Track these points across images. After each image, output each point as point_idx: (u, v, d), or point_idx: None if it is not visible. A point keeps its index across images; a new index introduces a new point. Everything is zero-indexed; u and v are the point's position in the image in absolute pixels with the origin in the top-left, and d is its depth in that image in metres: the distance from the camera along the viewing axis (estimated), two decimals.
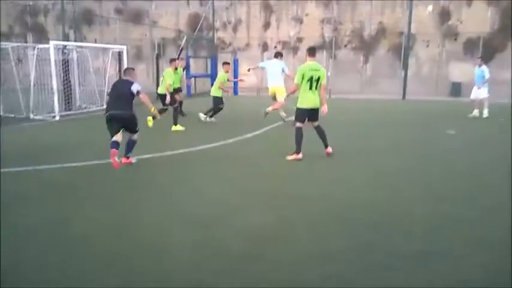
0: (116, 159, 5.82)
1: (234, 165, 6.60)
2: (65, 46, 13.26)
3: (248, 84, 17.01)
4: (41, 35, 25.90)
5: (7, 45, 12.77)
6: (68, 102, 13.10)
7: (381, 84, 21.29)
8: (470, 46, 19.87)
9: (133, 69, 6.74)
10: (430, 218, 4.27)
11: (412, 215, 4.35)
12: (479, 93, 12.33)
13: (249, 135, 9.21)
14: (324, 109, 6.87)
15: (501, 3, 19.16)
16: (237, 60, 21.43)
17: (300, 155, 6.76)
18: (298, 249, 3.52)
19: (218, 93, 11.03)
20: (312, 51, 6.81)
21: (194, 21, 24.18)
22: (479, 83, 12.31)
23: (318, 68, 6.68)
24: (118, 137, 6.03)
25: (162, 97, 10.26)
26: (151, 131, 8.22)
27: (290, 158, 6.78)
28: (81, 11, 24.06)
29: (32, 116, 11.79)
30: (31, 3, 26.36)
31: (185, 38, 15.51)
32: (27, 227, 3.98)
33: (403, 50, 20.53)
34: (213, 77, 18.53)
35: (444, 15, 20.27)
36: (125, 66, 13.00)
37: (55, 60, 12.07)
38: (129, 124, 6.26)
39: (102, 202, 4.75)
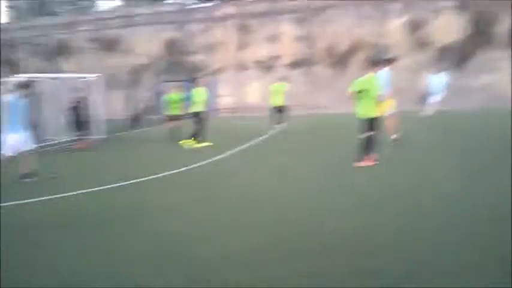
0: None
1: None
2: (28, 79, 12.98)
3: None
4: (14, 69, 25.56)
5: None
6: (37, 136, 12.79)
7: None
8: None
9: None
10: None
11: None
12: None
13: None
14: None
15: None
16: (215, 82, 21.40)
17: None
18: None
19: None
20: None
21: (170, 46, 24.20)
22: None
23: None
24: None
25: (196, 115, 11.87)
26: None
27: None
28: (55, 43, 23.87)
29: None
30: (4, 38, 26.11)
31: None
32: None
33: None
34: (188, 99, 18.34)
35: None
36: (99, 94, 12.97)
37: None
38: None
39: None
